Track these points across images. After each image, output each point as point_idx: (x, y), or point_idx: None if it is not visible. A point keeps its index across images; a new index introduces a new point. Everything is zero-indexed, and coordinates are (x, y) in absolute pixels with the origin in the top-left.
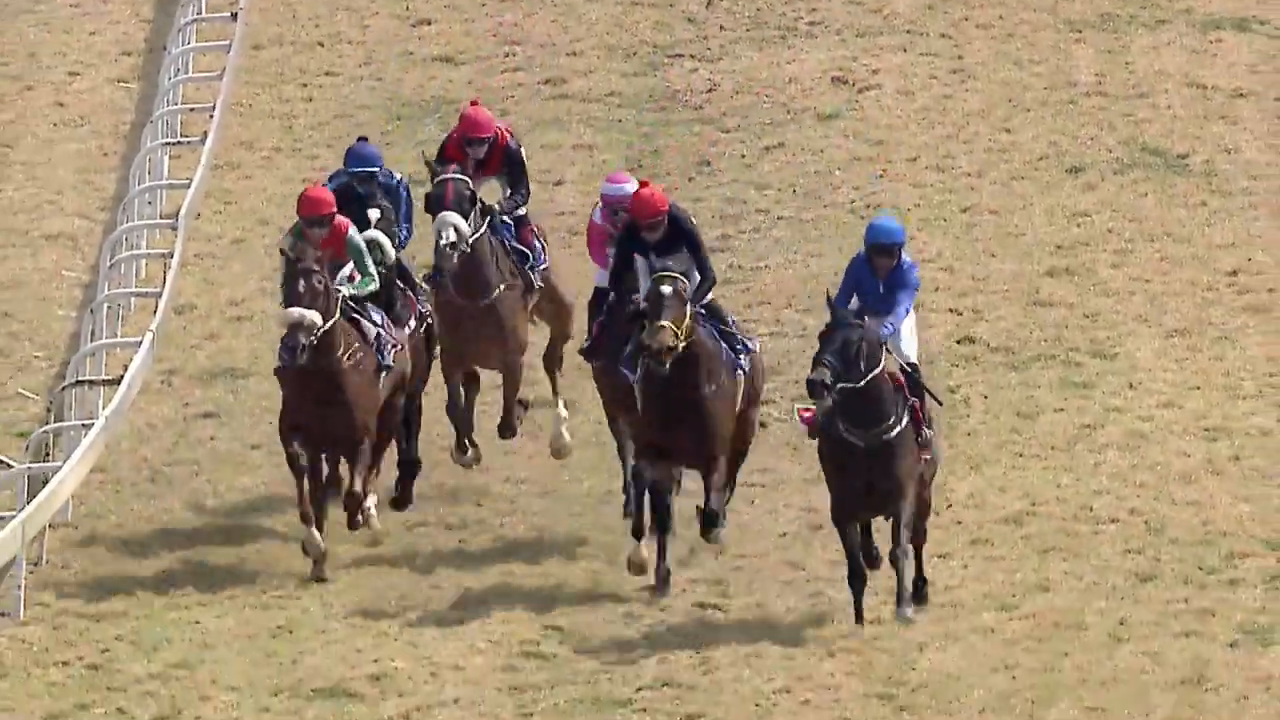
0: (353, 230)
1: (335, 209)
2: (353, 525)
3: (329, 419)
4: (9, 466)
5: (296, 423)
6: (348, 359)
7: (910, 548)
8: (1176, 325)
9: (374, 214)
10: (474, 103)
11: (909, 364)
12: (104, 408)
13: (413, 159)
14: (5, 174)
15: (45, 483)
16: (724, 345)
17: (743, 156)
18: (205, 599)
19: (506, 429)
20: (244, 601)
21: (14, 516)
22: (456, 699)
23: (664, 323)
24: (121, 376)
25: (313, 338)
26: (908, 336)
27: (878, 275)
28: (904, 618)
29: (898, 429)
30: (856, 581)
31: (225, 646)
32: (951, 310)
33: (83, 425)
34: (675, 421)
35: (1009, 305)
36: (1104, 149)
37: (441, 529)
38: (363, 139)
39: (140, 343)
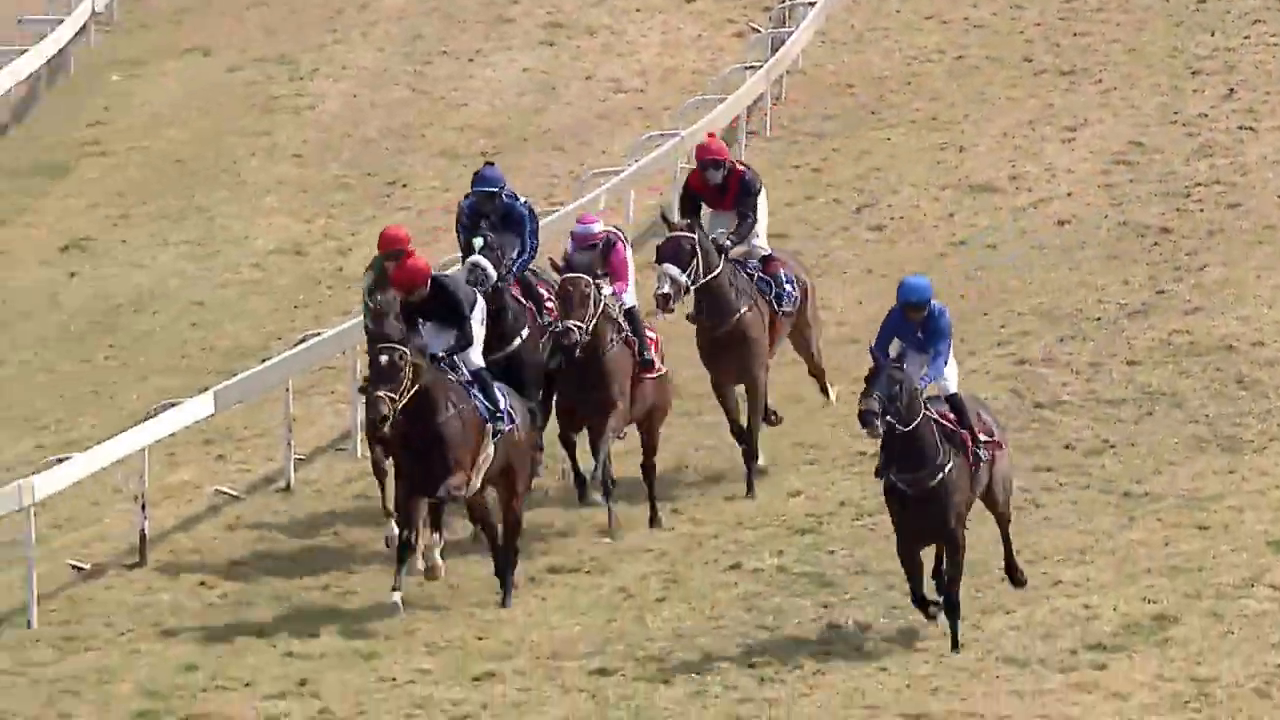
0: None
1: (409, 244)
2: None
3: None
4: (758, 31)
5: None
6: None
7: (958, 597)
8: None
9: (478, 242)
10: (710, 135)
11: (950, 395)
12: None
13: None
14: None
15: (783, 42)
16: (480, 400)
17: None
18: None
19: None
20: None
21: (760, 66)
22: None
23: (380, 393)
24: None
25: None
26: (950, 372)
27: (913, 325)
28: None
29: (941, 474)
30: (918, 602)
31: None
32: None
33: (809, 3)
34: (420, 456)
35: None
36: None
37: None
38: (489, 163)
39: None
